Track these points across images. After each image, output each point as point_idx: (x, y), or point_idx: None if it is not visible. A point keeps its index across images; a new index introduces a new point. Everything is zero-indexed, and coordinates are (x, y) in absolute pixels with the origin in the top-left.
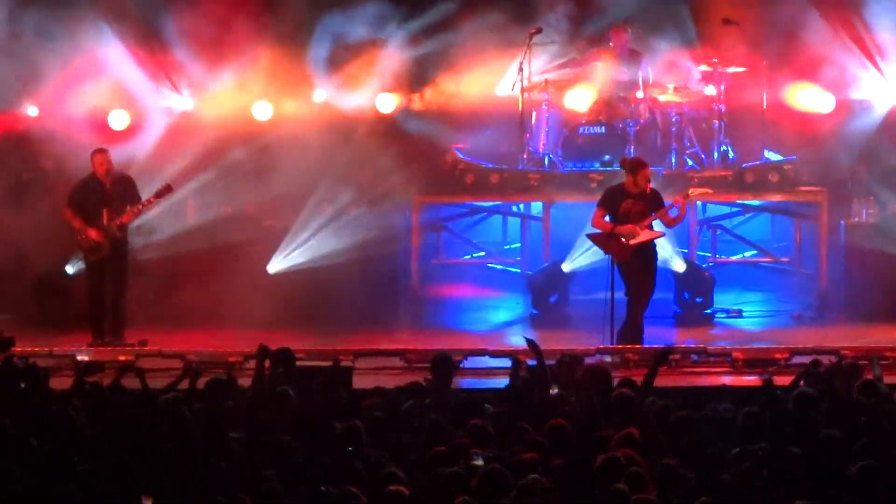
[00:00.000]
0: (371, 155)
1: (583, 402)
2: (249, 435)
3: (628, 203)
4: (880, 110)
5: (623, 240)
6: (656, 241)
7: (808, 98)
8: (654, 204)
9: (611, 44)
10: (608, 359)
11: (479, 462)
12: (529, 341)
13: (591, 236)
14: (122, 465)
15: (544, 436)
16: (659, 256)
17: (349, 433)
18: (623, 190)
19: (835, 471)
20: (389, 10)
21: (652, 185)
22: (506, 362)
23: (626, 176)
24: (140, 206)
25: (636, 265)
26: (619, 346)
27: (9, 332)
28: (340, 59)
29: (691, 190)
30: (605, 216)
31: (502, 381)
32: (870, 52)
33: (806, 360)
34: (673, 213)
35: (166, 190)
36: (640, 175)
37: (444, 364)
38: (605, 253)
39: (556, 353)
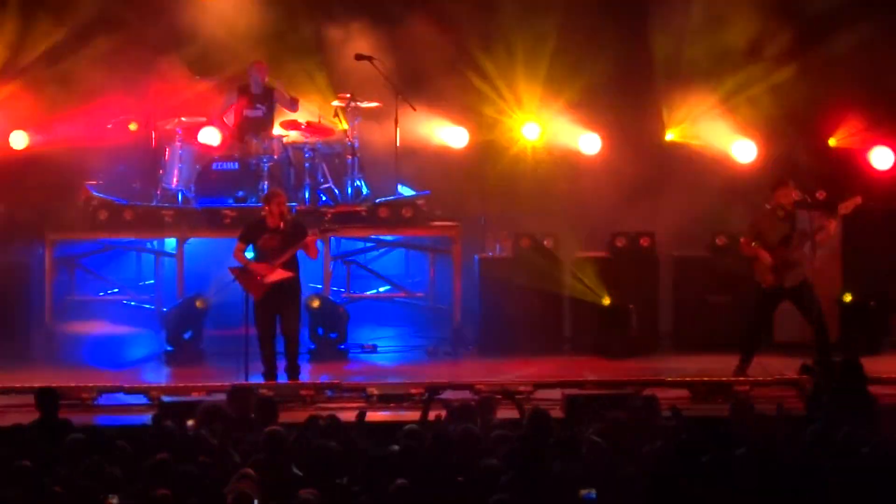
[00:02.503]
0: (2, 191)
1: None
2: None
3: (266, 238)
4: (512, 147)
5: (258, 277)
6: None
7: (441, 133)
8: (291, 240)
9: (248, 79)
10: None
11: (115, 501)
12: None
13: (232, 270)
14: None
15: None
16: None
17: None
18: (263, 223)
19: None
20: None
21: (293, 220)
22: (140, 399)
23: (263, 207)
24: None
25: (270, 303)
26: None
27: None
28: None
29: (325, 225)
30: (244, 250)
31: (138, 418)
32: (502, 90)
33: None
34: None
35: None
36: (274, 203)
37: (49, 397)
38: (244, 289)
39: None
